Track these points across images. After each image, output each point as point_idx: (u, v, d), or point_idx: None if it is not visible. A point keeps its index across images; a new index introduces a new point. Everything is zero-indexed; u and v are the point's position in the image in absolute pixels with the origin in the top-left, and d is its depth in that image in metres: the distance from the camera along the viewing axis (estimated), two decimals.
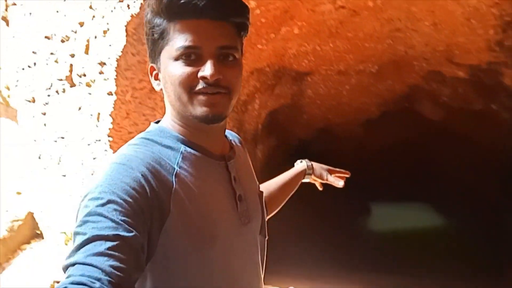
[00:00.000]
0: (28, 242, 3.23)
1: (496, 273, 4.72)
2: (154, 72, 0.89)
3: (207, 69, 0.80)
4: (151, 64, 0.89)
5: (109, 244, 0.66)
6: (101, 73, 2.88)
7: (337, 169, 1.50)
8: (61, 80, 2.91)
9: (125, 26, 2.78)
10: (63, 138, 3.00)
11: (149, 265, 0.76)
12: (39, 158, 3.11)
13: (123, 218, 0.69)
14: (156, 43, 0.84)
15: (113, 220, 0.69)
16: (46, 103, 3.01)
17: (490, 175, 6.03)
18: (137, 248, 0.70)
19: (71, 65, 2.92)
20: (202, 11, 0.79)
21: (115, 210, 0.70)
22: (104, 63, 2.85)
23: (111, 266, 0.64)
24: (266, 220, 1.07)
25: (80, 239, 0.67)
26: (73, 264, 0.65)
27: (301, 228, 6.14)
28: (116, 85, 2.85)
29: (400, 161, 7.65)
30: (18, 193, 3.37)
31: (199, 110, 0.82)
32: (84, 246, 0.66)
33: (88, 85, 2.91)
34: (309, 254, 5.13)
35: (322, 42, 4.57)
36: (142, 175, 0.76)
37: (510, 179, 5.42)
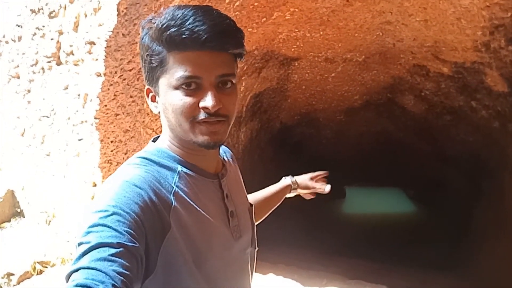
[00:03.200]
0: (8, 220, 3.17)
1: (462, 263, 4.96)
2: (151, 94, 0.91)
3: (208, 100, 0.82)
4: (147, 87, 0.91)
5: (113, 250, 0.68)
6: (89, 52, 2.79)
7: (318, 173, 1.57)
8: (47, 57, 2.81)
9: (117, 5, 2.69)
10: (48, 117, 2.91)
11: (149, 280, 0.78)
12: (22, 135, 3.03)
13: (126, 229, 0.71)
14: (154, 69, 0.86)
15: (116, 230, 0.70)
16: (31, 80, 2.90)
17: (462, 168, 6.25)
18: (138, 259, 0.72)
19: (59, 42, 2.81)
20: (203, 44, 0.81)
21: (119, 221, 0.72)
22: (94, 43, 2.76)
23: (115, 271, 0.66)
24: (255, 232, 1.11)
25: (83, 247, 0.69)
26: (77, 270, 0.66)
27: (279, 212, 6.24)
28: (105, 66, 2.77)
29: (378, 150, 7.81)
30: None
31: (200, 138, 0.86)
32: (88, 253, 0.68)
33: (75, 64, 2.82)
34: (286, 239, 5.24)
35: (312, 29, 4.55)
36: (144, 192, 0.79)
37: (481, 175, 5.63)
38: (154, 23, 0.84)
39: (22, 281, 2.63)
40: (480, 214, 5.43)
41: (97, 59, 2.77)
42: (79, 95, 2.84)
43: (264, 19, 4.13)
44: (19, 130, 3.04)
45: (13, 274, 2.67)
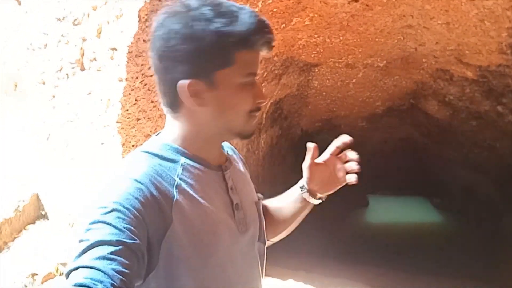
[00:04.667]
0: (33, 222, 3.27)
1: (492, 273, 4.79)
2: (192, 88, 0.84)
3: (263, 94, 0.92)
4: (192, 79, 0.84)
5: (112, 249, 0.68)
6: (112, 58, 2.86)
7: (338, 147, 1.12)
8: (71, 63, 2.90)
9: (138, 12, 2.76)
10: (71, 121, 3.00)
11: (153, 274, 0.78)
12: (47, 140, 3.12)
13: (126, 225, 0.72)
14: (211, 61, 0.84)
15: (116, 227, 0.71)
16: (56, 86, 3.00)
17: (490, 176, 6.07)
18: (139, 256, 0.72)
19: (82, 48, 2.90)
20: (269, 48, 0.89)
21: (119, 218, 0.72)
22: (116, 49, 2.83)
23: (114, 270, 0.66)
24: (264, 227, 1.07)
25: (83, 245, 0.69)
26: (76, 268, 0.66)
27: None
28: (126, 71, 2.84)
29: (402, 157, 7.67)
30: (24, 174, 3.39)
31: (250, 129, 0.93)
32: (87, 251, 0.68)
33: (98, 69, 2.90)
34: (307, 246, 5.19)
35: (332, 34, 4.54)
36: (145, 186, 0.79)
37: (509, 180, 5.46)
38: (219, 16, 0.82)
39: (45, 281, 2.70)
40: (510, 221, 5.24)
41: (119, 65, 2.84)
42: (101, 100, 2.91)
43: (284, 25, 4.15)
44: (45, 134, 3.14)
45: (37, 274, 2.74)
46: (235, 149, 1.12)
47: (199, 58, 0.83)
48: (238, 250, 0.94)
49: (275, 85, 5.48)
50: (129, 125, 3.02)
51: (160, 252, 0.79)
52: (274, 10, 3.81)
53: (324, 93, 6.04)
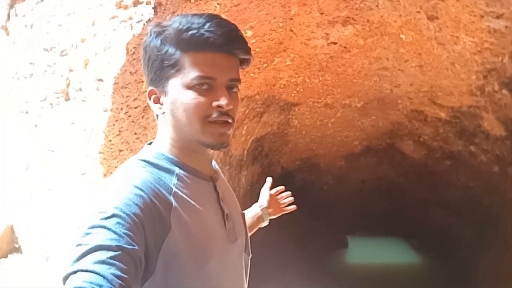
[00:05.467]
0: (6, 256, 3.13)
1: None
2: (154, 96, 0.93)
3: (222, 99, 0.87)
4: (151, 88, 0.93)
5: (112, 253, 0.68)
6: (97, 89, 2.89)
7: (278, 191, 1.57)
8: (56, 93, 2.91)
9: (126, 44, 2.82)
10: (53, 151, 2.97)
11: (150, 281, 0.78)
12: (26, 169, 3.06)
13: (126, 231, 0.72)
14: (165, 69, 0.89)
15: (115, 233, 0.71)
16: (39, 115, 2.99)
17: (464, 216, 6.19)
18: (137, 262, 0.73)
19: (68, 79, 2.93)
20: (220, 47, 0.87)
21: (119, 223, 0.73)
22: (102, 80, 2.87)
23: (113, 274, 0.66)
24: (249, 239, 1.13)
25: (82, 249, 0.69)
26: (75, 272, 0.66)
27: (282, 258, 6.11)
28: (112, 102, 2.86)
29: (380, 196, 7.78)
30: None
31: (210, 138, 0.89)
32: (86, 255, 0.68)
33: (83, 100, 2.91)
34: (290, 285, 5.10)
35: (312, 74, 4.72)
36: (145, 193, 0.80)
37: (484, 223, 5.57)
38: (166, 26, 0.89)
39: None
40: (485, 265, 5.30)
41: (104, 95, 2.86)
42: (85, 129, 2.91)
43: (266, 64, 4.30)
44: (24, 165, 3.09)
45: None
46: (215, 164, 1.15)
47: (152, 67, 0.90)
48: (228, 260, 0.96)
49: (257, 123, 5.58)
50: (112, 156, 3.00)
51: (158, 258, 0.79)
52: (257, 49, 3.96)
53: (303, 132, 6.17)
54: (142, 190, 0.80)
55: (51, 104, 2.96)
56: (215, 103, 0.87)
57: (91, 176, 2.93)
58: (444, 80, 4.25)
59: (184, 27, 0.86)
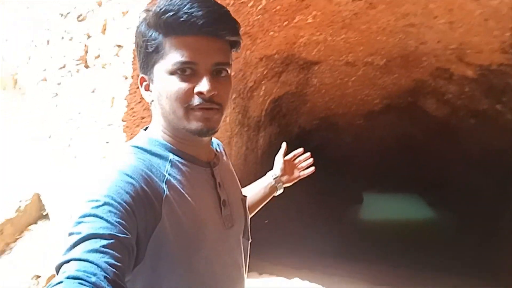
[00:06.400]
0: (35, 223, 3.19)
1: (489, 271, 4.83)
2: (145, 83, 0.90)
3: (203, 85, 0.83)
4: (141, 75, 0.90)
5: (104, 242, 0.67)
6: (117, 55, 2.80)
7: (295, 155, 1.47)
8: (75, 60, 2.83)
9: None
10: (74, 120, 2.93)
11: (138, 268, 0.78)
12: (49, 138, 3.05)
13: (117, 220, 0.71)
14: (150, 56, 0.85)
15: (108, 221, 0.70)
16: (59, 84, 2.92)
17: (488, 173, 6.12)
18: (129, 250, 0.72)
19: (86, 45, 2.83)
20: (200, 29, 0.81)
21: (110, 211, 0.71)
22: (121, 46, 2.77)
23: (107, 263, 0.65)
24: (249, 224, 1.11)
25: (74, 238, 0.68)
26: (68, 261, 0.65)
27: (299, 217, 6.18)
28: (132, 69, 2.77)
29: (398, 154, 7.70)
30: (25, 172, 3.31)
31: (194, 124, 0.85)
32: (79, 244, 0.67)
33: (103, 67, 2.83)
34: (308, 244, 5.19)
35: (334, 32, 4.52)
36: (136, 181, 0.78)
37: (507, 179, 5.50)
38: (150, 10, 0.84)
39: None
40: (507, 221, 5.29)
41: (124, 62, 2.78)
42: (106, 98, 2.85)
43: (286, 22, 4.12)
44: (47, 133, 3.06)
45: (40, 276, 2.68)
46: (220, 143, 1.12)
47: (140, 53, 0.88)
48: (224, 245, 0.95)
49: (275, 83, 5.45)
50: (134, 124, 2.96)
51: (147, 246, 0.79)
52: (278, 7, 3.77)
53: (323, 91, 6.03)
54: (133, 178, 0.78)
55: (70, 72, 2.88)
56: (196, 89, 0.83)
57: (114, 145, 2.91)
58: (474, 37, 4.04)
59: (162, 10, 0.81)
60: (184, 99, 0.83)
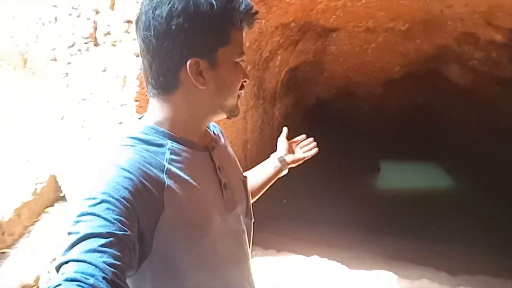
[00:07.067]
0: (52, 205, 3.18)
1: (506, 241, 4.72)
2: (198, 68, 0.84)
3: (247, 74, 0.92)
4: (195, 58, 0.83)
5: (103, 241, 0.66)
6: (127, 32, 2.66)
7: (299, 139, 1.49)
8: (84, 38, 2.70)
9: None
10: (87, 100, 2.84)
11: (146, 263, 0.78)
12: (62, 119, 2.98)
13: (116, 217, 0.70)
14: (214, 39, 0.84)
15: (106, 219, 0.69)
16: (69, 63, 2.82)
17: (510, 142, 5.91)
18: (130, 247, 0.71)
19: (95, 22, 2.70)
20: (249, 27, 0.88)
21: (108, 209, 0.70)
22: (131, 21, 2.63)
23: (105, 263, 0.64)
24: (251, 203, 1.12)
25: (73, 238, 0.67)
26: (67, 262, 0.64)
27: (314, 189, 6.11)
28: None
29: (418, 122, 7.49)
30: (39, 154, 3.27)
31: (237, 108, 0.94)
32: (77, 244, 0.66)
33: (113, 44, 2.70)
34: (325, 217, 5.13)
35: None
36: (134, 175, 0.77)
37: None
38: None
39: None
40: None
41: (135, 39, 2.64)
42: (117, 76, 2.74)
43: None
44: (59, 114, 2.99)
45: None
46: (216, 125, 1.12)
47: (203, 36, 0.82)
48: (227, 228, 0.96)
49: (291, 52, 5.25)
50: (147, 103, 2.86)
51: (153, 239, 0.78)
52: None
53: (341, 59, 5.81)
54: (130, 172, 0.76)
55: (79, 50, 2.77)
56: (244, 78, 0.91)
57: (128, 125, 2.82)
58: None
59: (247, 7, 0.85)
60: (240, 87, 0.91)
